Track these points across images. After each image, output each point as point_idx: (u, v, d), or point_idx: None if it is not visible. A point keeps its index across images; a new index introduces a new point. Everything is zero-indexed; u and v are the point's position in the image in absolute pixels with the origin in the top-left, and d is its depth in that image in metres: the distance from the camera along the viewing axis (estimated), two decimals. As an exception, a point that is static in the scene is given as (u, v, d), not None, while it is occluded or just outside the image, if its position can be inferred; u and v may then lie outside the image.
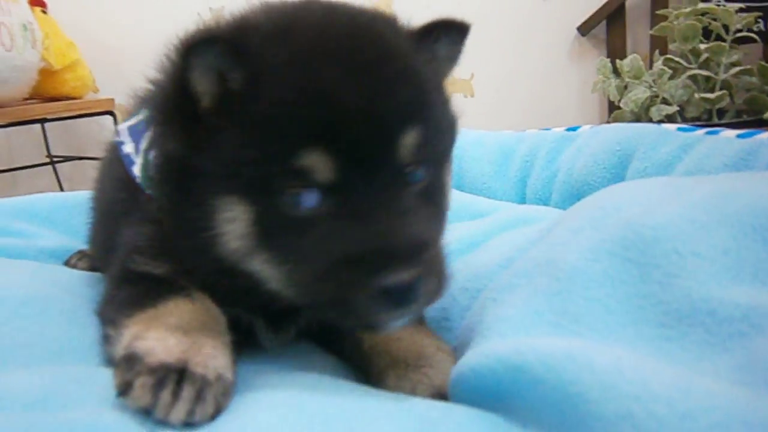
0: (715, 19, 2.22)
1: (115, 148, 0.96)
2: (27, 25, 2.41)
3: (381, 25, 0.77)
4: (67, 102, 2.75)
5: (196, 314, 0.74)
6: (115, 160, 0.97)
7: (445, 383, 0.77)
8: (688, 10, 2.18)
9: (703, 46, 2.12)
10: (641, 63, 2.20)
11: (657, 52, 2.39)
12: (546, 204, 1.74)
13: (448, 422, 0.64)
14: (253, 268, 0.72)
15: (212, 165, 0.69)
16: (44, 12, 2.68)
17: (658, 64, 2.21)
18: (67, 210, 1.58)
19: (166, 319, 0.70)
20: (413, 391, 0.78)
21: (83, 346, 0.84)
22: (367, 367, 0.85)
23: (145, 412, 0.59)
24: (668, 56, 2.23)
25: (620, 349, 0.62)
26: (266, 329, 0.86)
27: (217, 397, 0.63)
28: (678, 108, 2.16)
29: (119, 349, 0.68)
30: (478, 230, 1.34)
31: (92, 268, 1.30)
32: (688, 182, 0.89)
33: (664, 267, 0.69)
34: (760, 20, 2.23)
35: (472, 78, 3.01)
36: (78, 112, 2.69)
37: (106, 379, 0.66)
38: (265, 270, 0.72)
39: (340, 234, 0.66)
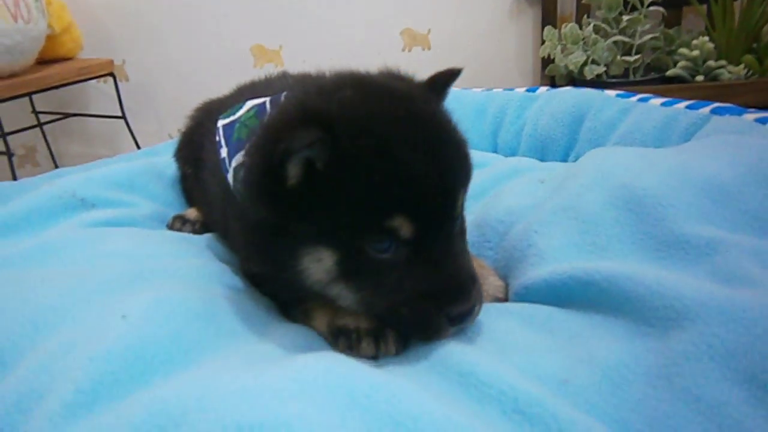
0: (631, -9, 2.59)
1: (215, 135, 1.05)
2: (36, -6, 2.29)
3: (433, 104, 0.86)
4: (75, 66, 2.64)
5: None
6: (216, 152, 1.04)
7: (498, 291, 1.00)
8: (613, -17, 2.54)
9: (624, 17, 2.49)
10: (579, 31, 2.53)
11: (586, 16, 2.75)
12: (515, 153, 1.97)
13: (540, 312, 0.89)
14: (331, 293, 0.83)
15: (300, 227, 0.78)
16: (34, -26, 2.52)
17: (590, 30, 2.57)
18: (144, 176, 1.57)
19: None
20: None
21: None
22: None
23: (372, 358, 0.80)
24: (596, 23, 2.59)
25: (639, 267, 0.83)
26: None
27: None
28: (605, 68, 2.56)
29: (321, 325, 0.88)
30: (487, 178, 1.57)
31: (196, 232, 1.38)
32: (658, 154, 1.09)
33: (654, 215, 0.92)
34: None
35: (429, 33, 3.21)
36: (87, 76, 2.61)
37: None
38: (342, 294, 0.83)
39: (415, 274, 0.78)
